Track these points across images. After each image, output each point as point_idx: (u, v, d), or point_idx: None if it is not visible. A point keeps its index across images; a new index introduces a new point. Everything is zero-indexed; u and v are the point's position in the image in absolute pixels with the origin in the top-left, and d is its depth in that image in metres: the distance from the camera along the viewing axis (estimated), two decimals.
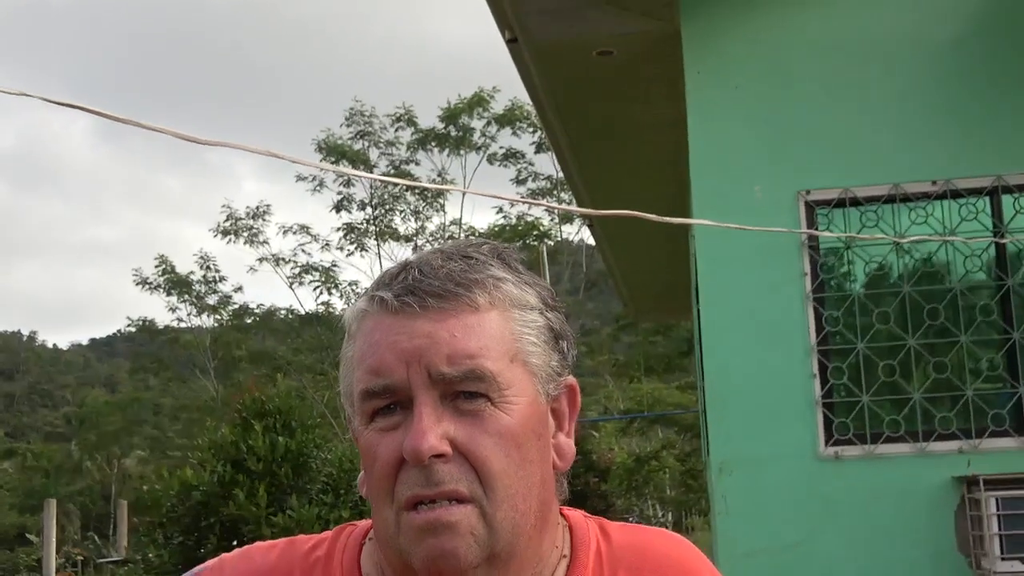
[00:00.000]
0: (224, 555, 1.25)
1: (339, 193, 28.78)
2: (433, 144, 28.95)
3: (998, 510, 5.67)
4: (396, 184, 28.63)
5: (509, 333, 1.09)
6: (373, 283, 1.14)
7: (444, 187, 13.83)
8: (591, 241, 18.31)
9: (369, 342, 1.09)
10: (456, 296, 1.07)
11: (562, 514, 1.19)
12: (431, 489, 1.03)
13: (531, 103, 9.15)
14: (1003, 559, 5.63)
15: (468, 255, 1.12)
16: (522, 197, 29.51)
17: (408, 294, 1.07)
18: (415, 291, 1.07)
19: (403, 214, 29.00)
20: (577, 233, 29.98)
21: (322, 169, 28.51)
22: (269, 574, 1.19)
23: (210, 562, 1.24)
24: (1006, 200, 6.40)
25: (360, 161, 28.21)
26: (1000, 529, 5.66)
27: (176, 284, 30.72)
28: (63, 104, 2.92)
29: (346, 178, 28.50)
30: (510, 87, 29.60)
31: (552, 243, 29.10)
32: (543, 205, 33.86)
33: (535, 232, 28.52)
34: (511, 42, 7.45)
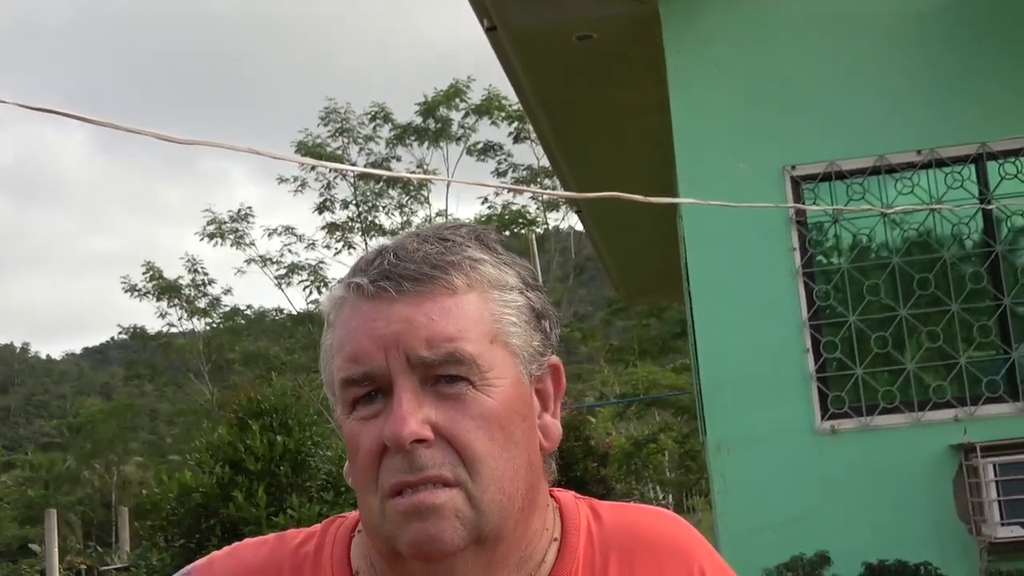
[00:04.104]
0: (214, 553, 1.23)
1: (321, 195, 28.80)
2: (412, 138, 28.89)
3: (996, 476, 5.69)
4: (380, 177, 28.57)
5: (488, 314, 1.07)
6: (350, 269, 1.12)
7: (428, 177, 13.78)
8: (579, 227, 18.29)
9: (347, 329, 1.07)
10: (432, 279, 1.05)
11: (552, 496, 1.18)
12: (414, 475, 1.01)
13: (511, 91, 9.11)
14: (1003, 524, 5.64)
15: (445, 237, 1.10)
16: (506, 185, 29.48)
17: (384, 279, 1.05)
18: (391, 275, 1.05)
19: (387, 210, 28.97)
20: (563, 219, 29.95)
21: (305, 165, 28.45)
22: (258, 571, 1.18)
23: (199, 561, 1.23)
24: (991, 167, 6.40)
25: (338, 161, 28.16)
26: (999, 495, 5.67)
27: (165, 290, 30.66)
28: (40, 109, 2.89)
29: (327, 181, 28.49)
30: (496, 80, 29.51)
31: (540, 230, 29.07)
32: (529, 191, 33.81)
33: (521, 220, 28.48)
34: (490, 30, 7.42)
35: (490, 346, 1.06)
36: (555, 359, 1.15)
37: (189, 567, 1.23)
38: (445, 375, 1.04)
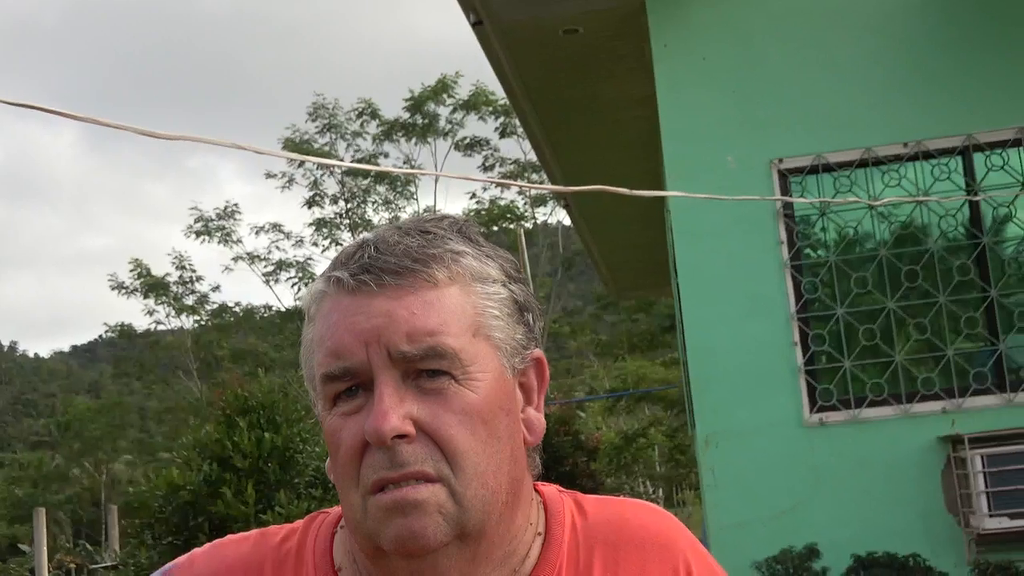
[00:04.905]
0: (195, 550, 1.22)
1: (309, 189, 28.82)
2: (400, 134, 28.87)
3: (984, 468, 5.70)
4: (368, 171, 28.56)
5: (470, 307, 1.06)
6: (331, 263, 1.11)
7: (415, 171, 13.76)
8: (568, 222, 18.30)
9: (327, 324, 1.06)
10: (413, 272, 1.04)
11: (536, 490, 1.17)
12: (396, 471, 1.00)
13: (498, 86, 9.10)
14: (991, 516, 5.65)
15: (426, 230, 1.09)
16: (494, 179, 29.48)
17: (364, 272, 1.04)
18: (371, 269, 1.04)
19: (375, 205, 28.97)
20: (551, 214, 29.96)
21: (292, 161, 28.42)
22: (240, 568, 1.17)
23: (181, 558, 1.21)
24: (978, 158, 6.41)
25: (326, 157, 28.18)
26: (987, 486, 5.68)
27: (153, 287, 30.61)
28: (20, 104, 2.87)
29: (314, 178, 28.50)
30: (484, 75, 29.54)
31: (528, 225, 29.08)
32: (517, 185, 33.82)
33: (509, 215, 28.49)
34: (476, 25, 7.40)
35: (472, 340, 1.05)
36: (538, 352, 1.14)
37: (170, 564, 1.22)
38: (427, 369, 1.02)
